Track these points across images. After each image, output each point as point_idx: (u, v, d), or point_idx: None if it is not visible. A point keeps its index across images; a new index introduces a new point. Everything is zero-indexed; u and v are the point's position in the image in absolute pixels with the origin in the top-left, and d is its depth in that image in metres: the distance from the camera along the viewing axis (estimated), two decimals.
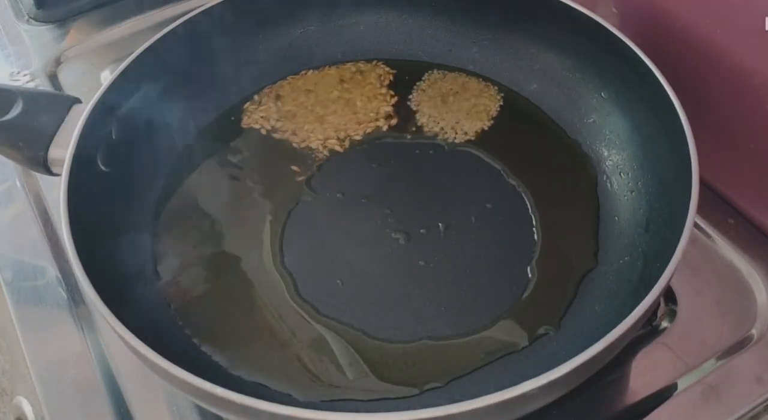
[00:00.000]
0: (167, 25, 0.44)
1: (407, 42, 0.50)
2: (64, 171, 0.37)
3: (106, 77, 0.51)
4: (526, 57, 0.47)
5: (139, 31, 0.58)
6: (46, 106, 0.40)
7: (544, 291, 0.38)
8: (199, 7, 0.45)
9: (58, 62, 0.56)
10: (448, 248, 0.40)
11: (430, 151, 0.45)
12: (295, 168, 0.44)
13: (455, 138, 0.46)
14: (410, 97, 0.48)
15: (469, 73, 0.49)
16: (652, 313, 0.36)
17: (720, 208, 0.44)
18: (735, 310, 0.40)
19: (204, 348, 0.37)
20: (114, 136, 0.41)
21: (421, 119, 0.47)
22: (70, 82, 0.55)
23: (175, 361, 0.29)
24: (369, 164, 0.45)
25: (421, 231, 0.41)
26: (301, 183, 0.44)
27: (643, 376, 0.38)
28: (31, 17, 0.60)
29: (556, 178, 0.43)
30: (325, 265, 0.40)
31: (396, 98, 0.48)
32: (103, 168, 0.40)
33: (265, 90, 0.48)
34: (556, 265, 0.39)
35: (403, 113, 0.47)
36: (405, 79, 0.49)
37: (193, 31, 0.45)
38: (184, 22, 0.44)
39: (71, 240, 0.34)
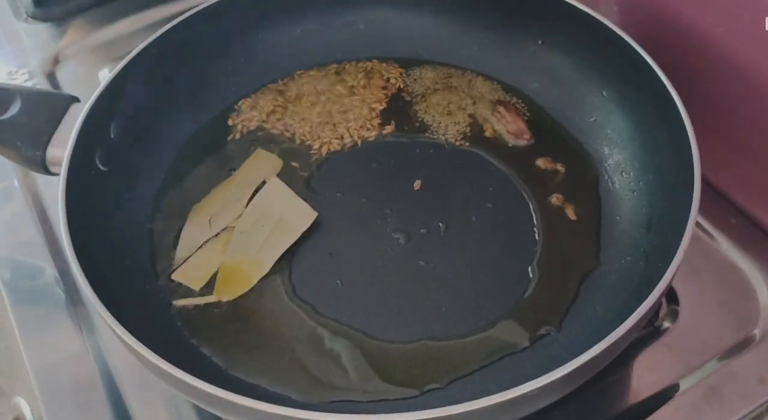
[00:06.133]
0: (165, 24, 0.44)
1: (407, 40, 0.49)
2: (63, 170, 0.37)
3: (105, 76, 0.51)
4: (527, 55, 0.47)
5: (138, 30, 0.57)
6: (44, 105, 0.40)
7: (545, 291, 0.38)
8: (197, 5, 0.45)
9: (56, 61, 0.56)
10: (449, 248, 0.40)
11: (431, 151, 0.45)
12: (294, 164, 0.44)
13: (456, 137, 0.45)
14: (410, 95, 0.48)
15: (470, 71, 0.48)
16: (653, 314, 0.36)
17: (722, 208, 0.44)
18: (737, 311, 0.40)
19: (203, 349, 0.37)
20: (112, 136, 0.41)
21: (422, 118, 0.46)
22: (68, 81, 0.55)
23: (173, 362, 0.29)
24: (369, 164, 0.44)
25: (422, 231, 0.41)
26: (301, 183, 0.43)
27: (644, 377, 0.38)
28: (29, 16, 0.60)
29: (558, 178, 0.43)
30: (324, 265, 0.40)
31: (396, 97, 0.47)
32: (101, 167, 0.40)
33: (265, 89, 0.48)
34: (557, 265, 0.39)
35: (403, 112, 0.47)
36: (405, 77, 0.48)
37: (191, 29, 0.44)
38: (183, 20, 0.44)
39: (69, 240, 0.34)
